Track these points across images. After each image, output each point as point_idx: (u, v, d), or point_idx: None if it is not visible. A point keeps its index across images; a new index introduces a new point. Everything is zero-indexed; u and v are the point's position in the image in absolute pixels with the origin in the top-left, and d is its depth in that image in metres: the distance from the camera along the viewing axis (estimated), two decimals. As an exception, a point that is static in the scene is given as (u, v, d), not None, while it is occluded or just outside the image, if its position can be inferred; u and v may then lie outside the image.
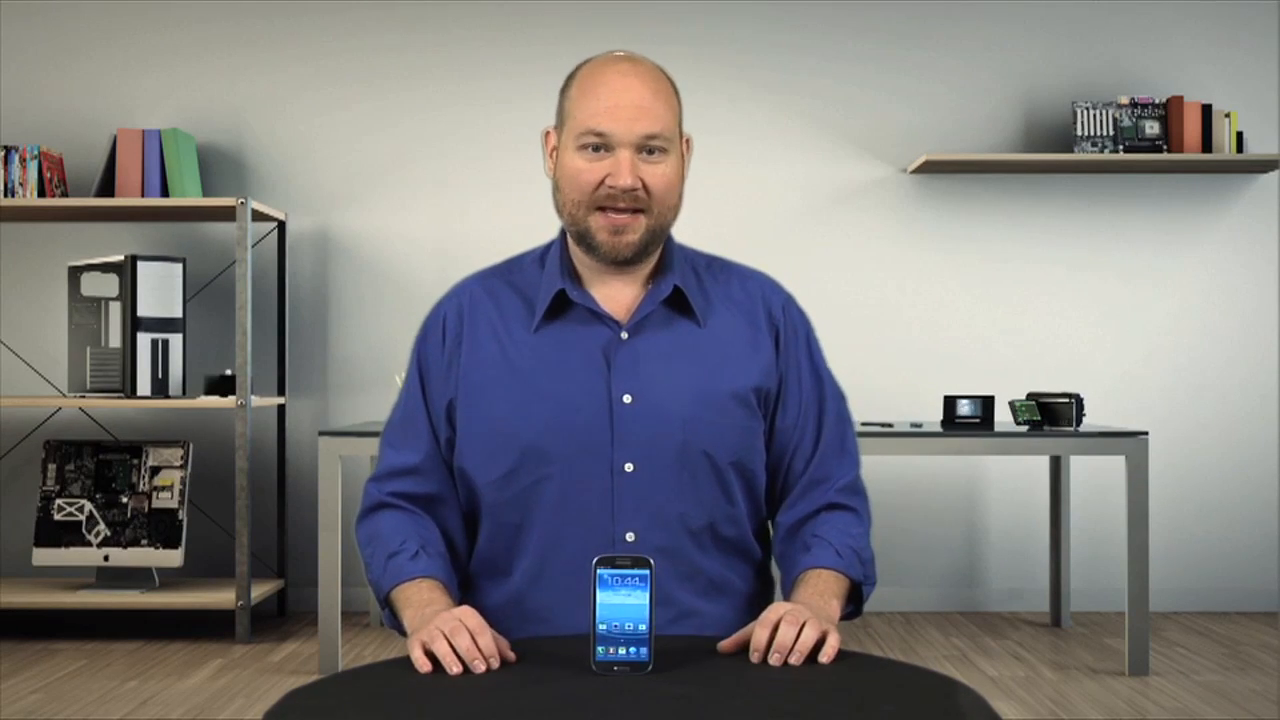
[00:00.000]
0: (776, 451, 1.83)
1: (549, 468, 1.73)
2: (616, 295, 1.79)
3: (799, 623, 1.53)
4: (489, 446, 1.76)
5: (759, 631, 1.53)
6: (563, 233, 1.83)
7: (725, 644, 1.56)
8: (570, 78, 1.78)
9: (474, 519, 1.82)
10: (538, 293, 1.79)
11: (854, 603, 1.78)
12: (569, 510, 1.72)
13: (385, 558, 1.75)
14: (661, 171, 1.73)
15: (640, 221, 1.73)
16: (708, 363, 1.77)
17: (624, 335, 1.76)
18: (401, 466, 1.81)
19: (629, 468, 1.72)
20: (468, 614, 1.54)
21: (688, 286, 1.79)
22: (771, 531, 1.88)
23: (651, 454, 1.72)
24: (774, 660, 1.50)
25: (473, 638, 1.50)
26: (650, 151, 1.72)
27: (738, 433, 1.77)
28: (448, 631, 1.51)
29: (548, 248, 1.85)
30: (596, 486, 1.72)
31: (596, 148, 1.72)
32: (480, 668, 1.48)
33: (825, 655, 1.52)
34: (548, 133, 1.81)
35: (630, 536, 1.72)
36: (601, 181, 1.71)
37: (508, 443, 1.74)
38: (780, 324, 1.83)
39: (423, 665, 1.50)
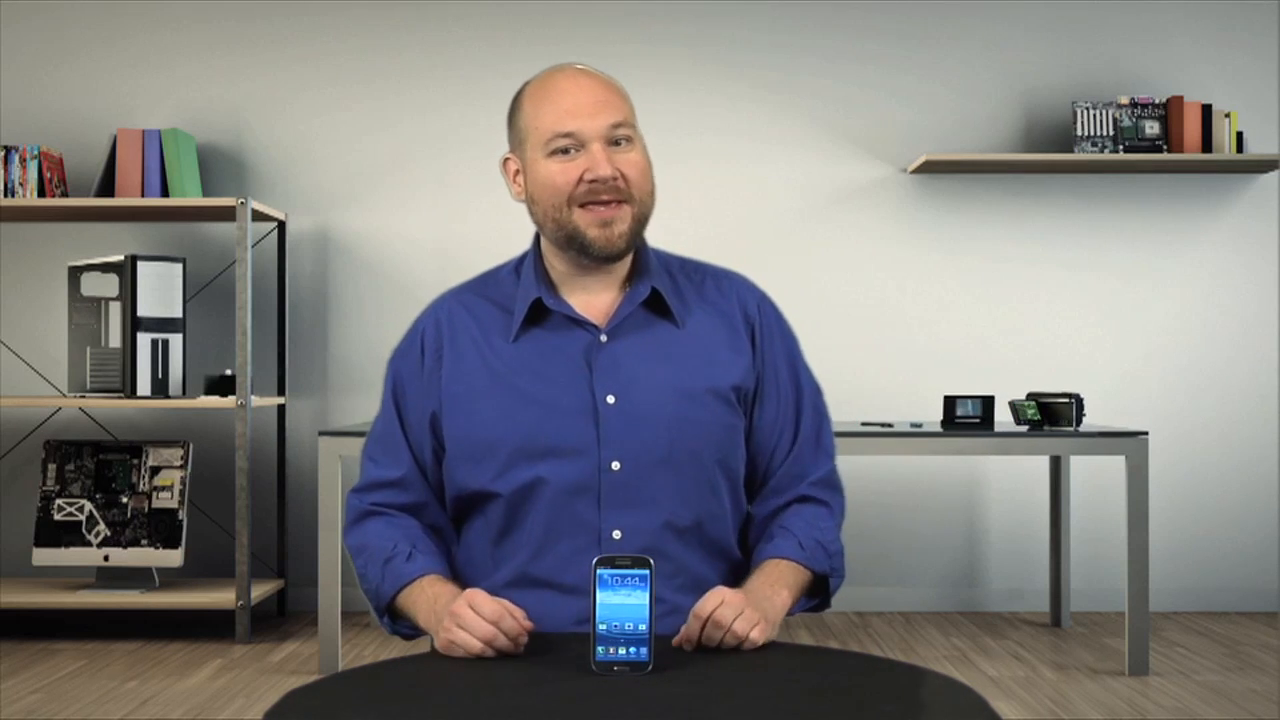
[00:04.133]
0: (755, 449, 1.85)
1: (536, 470, 1.74)
2: (594, 300, 1.82)
3: (732, 615, 1.58)
4: (476, 452, 1.77)
5: (692, 623, 1.58)
6: (536, 241, 1.85)
7: (677, 640, 1.60)
8: (516, 100, 1.82)
9: (461, 522, 1.85)
10: (514, 303, 1.82)
11: (821, 595, 1.82)
12: (557, 510, 1.74)
13: (381, 564, 1.78)
14: (634, 159, 1.77)
15: (625, 210, 1.76)
16: (688, 363, 1.79)
17: (603, 338, 1.79)
18: (382, 479, 1.84)
19: (615, 466, 1.74)
20: (473, 596, 1.59)
21: (664, 288, 1.82)
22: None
23: (638, 453, 1.74)
24: (707, 643, 1.57)
25: (480, 615, 1.57)
26: (618, 142, 1.76)
27: (722, 431, 1.79)
28: (461, 623, 1.57)
29: (522, 259, 1.87)
30: (584, 486, 1.74)
31: (567, 149, 1.75)
32: (502, 642, 1.56)
33: (752, 636, 1.58)
34: (506, 160, 1.84)
35: (617, 534, 1.73)
36: (579, 179, 1.74)
37: (495, 447, 1.76)
38: (756, 322, 1.86)
39: (468, 651, 1.56)
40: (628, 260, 1.83)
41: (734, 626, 1.57)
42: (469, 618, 1.57)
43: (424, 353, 1.83)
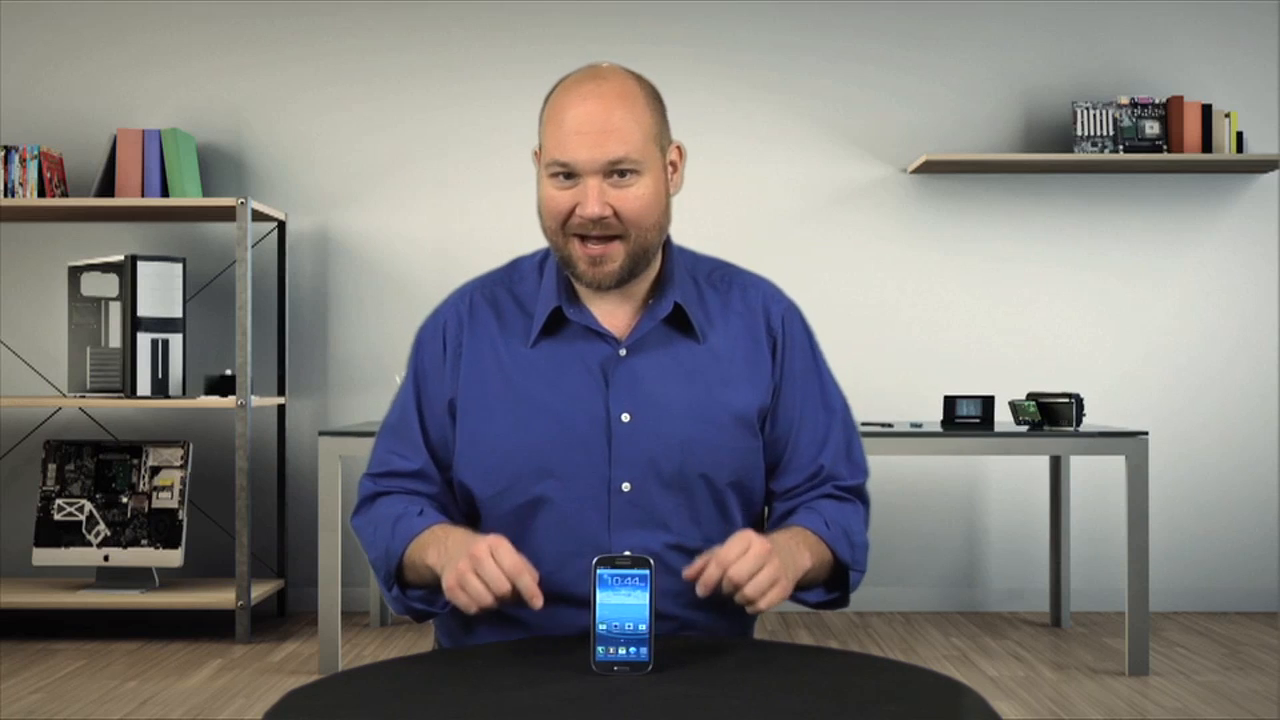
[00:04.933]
0: (770, 456, 1.81)
1: (546, 485, 1.72)
2: (615, 311, 1.77)
3: (748, 574, 1.56)
4: (486, 462, 1.75)
5: (712, 569, 1.57)
6: None
7: (690, 571, 1.59)
8: (546, 97, 1.75)
9: (472, 528, 1.82)
10: (535, 303, 1.78)
11: (840, 589, 1.78)
12: (564, 528, 1.71)
13: (391, 524, 1.73)
14: (634, 194, 1.69)
15: (618, 249, 1.70)
16: (707, 382, 1.75)
17: (622, 353, 1.75)
18: (401, 470, 1.80)
19: (626, 487, 1.71)
20: (497, 544, 1.57)
21: (688, 302, 1.77)
22: (767, 514, 1.87)
23: (649, 474, 1.71)
24: (726, 589, 1.56)
25: (498, 563, 1.55)
26: (621, 174, 1.68)
27: (737, 453, 1.76)
28: (480, 569, 1.55)
29: (547, 253, 1.82)
30: (593, 505, 1.71)
31: (566, 175, 1.69)
32: (505, 587, 1.54)
33: (759, 604, 1.57)
34: (536, 153, 1.77)
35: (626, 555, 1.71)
36: (572, 210, 1.69)
37: (505, 460, 1.73)
38: (779, 333, 1.81)
39: (469, 606, 1.55)
40: (652, 270, 1.78)
41: (746, 590, 1.55)
42: (489, 567, 1.54)
43: (446, 343, 1.79)
